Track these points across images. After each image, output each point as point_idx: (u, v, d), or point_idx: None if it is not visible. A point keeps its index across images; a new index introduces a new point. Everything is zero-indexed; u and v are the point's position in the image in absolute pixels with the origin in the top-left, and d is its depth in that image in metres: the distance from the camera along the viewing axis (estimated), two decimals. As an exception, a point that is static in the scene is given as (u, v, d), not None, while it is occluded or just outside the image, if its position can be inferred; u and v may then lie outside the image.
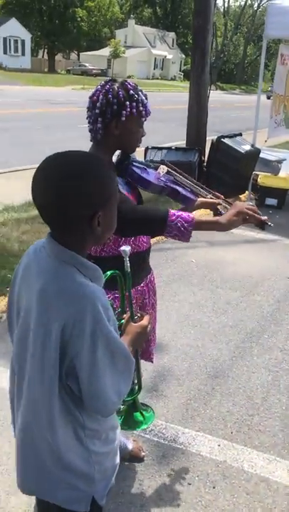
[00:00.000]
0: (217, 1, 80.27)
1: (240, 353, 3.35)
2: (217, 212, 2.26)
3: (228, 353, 3.33)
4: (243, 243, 5.53)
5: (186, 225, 1.70)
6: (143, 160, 2.08)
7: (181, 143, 7.96)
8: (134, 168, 1.92)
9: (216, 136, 7.16)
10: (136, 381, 1.60)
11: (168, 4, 65.26)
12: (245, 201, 7.20)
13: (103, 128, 1.79)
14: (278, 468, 2.38)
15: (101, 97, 1.73)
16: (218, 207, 2.19)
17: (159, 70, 59.72)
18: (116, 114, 1.73)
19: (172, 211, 1.73)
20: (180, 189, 2.03)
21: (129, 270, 1.53)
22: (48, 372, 1.17)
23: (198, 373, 3.08)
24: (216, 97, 31.39)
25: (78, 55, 57.40)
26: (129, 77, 49.99)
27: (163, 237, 5.25)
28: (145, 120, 1.83)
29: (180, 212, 1.72)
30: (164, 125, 14.34)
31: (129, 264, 1.53)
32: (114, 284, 1.85)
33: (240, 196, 7.31)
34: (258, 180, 7.14)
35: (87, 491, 1.31)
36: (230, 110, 22.98)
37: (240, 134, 7.30)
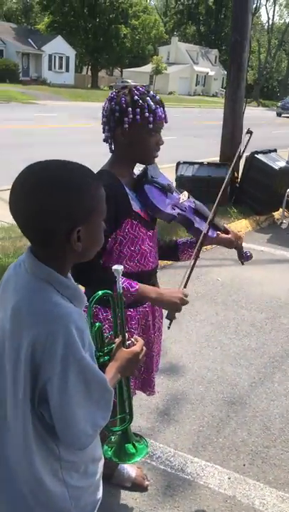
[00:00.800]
0: (262, 18, 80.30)
1: (261, 378, 3.18)
2: (242, 254, 2.19)
3: (247, 378, 3.17)
4: (272, 262, 5.34)
5: (131, 289, 1.69)
6: (168, 179, 1.95)
7: (217, 159, 7.85)
8: (149, 189, 1.81)
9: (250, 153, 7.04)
10: (127, 410, 1.49)
11: (212, 22, 65.72)
12: (279, 219, 7.00)
13: (111, 137, 1.74)
14: (292, 508, 2.20)
15: (106, 104, 1.69)
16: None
17: (201, 87, 59.95)
18: (119, 121, 1.67)
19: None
20: (197, 223, 1.92)
21: (121, 291, 1.43)
22: (20, 396, 1.09)
23: (214, 398, 2.94)
24: (257, 113, 31.16)
25: (121, 72, 58.38)
26: (170, 93, 50.43)
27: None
28: (155, 127, 1.70)
29: (127, 280, 1.69)
30: (202, 140, 14.28)
31: (121, 285, 1.44)
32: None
33: (274, 214, 7.13)
34: (293, 197, 6.93)
35: None
36: (271, 127, 22.70)
37: (275, 150, 7.14)
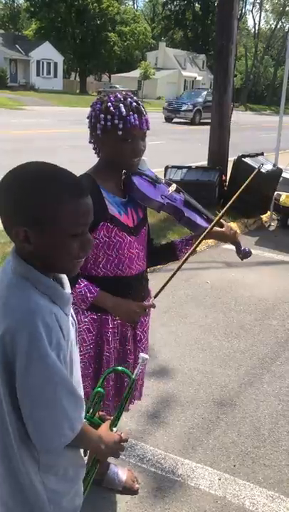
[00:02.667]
0: (249, 24, 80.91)
1: (250, 379, 3.20)
2: (240, 250, 2.15)
3: (237, 380, 3.18)
4: (261, 265, 5.37)
5: (88, 295, 1.73)
6: (162, 177, 1.99)
7: (205, 163, 7.89)
8: (136, 180, 1.82)
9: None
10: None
11: (199, 27, 66.11)
12: (267, 222, 7.05)
13: (93, 143, 1.77)
14: (282, 508, 2.22)
15: (89, 111, 1.73)
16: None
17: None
18: (94, 127, 1.70)
19: (81, 280, 1.71)
20: (187, 212, 1.92)
21: (135, 377, 1.47)
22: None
23: (204, 400, 2.95)
24: (245, 117, 31.37)
25: (109, 77, 58.48)
26: (159, 98, 50.54)
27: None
28: (127, 134, 1.66)
29: (88, 284, 1.73)
30: (190, 145, 14.34)
31: (138, 371, 1.47)
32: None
33: (262, 216, 7.18)
34: (281, 200, 6.99)
35: None
36: (259, 130, 22.86)
37: (262, 154, 7.20)
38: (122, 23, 55.04)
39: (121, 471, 2.26)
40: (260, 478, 2.38)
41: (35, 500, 1.17)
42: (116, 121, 1.65)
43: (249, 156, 6.90)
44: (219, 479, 2.36)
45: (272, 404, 2.96)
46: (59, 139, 14.69)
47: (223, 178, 7.08)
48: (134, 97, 1.72)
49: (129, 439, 2.52)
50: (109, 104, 1.66)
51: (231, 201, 2.02)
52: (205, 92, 27.18)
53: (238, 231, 6.51)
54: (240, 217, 6.82)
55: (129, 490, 2.23)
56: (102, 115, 1.66)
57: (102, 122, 1.67)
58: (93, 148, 1.79)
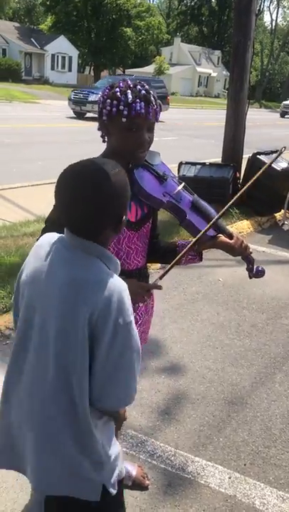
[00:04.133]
0: (265, 20, 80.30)
1: (262, 379, 3.18)
2: (250, 266, 2.02)
3: (248, 379, 3.16)
4: (274, 263, 5.34)
5: None
6: (169, 169, 1.85)
7: (219, 160, 7.84)
8: (138, 173, 1.71)
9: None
10: None
11: (214, 23, 65.68)
12: (280, 220, 7.00)
13: (100, 130, 1.69)
14: (292, 508, 2.20)
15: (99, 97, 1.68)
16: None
17: (203, 88, 59.91)
18: (100, 113, 1.64)
19: None
20: (191, 215, 1.79)
21: None
22: (79, 355, 1.22)
23: (215, 398, 2.93)
24: (259, 114, 31.14)
25: (124, 72, 58.38)
26: (172, 94, 50.36)
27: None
28: (132, 123, 1.59)
29: None
30: (205, 141, 14.28)
31: None
32: None
33: (276, 215, 7.12)
34: (295, 199, 6.93)
35: (97, 479, 1.34)
36: (273, 128, 22.70)
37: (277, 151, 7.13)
38: (138, 17, 54.80)
39: (131, 467, 2.26)
40: (270, 478, 2.37)
41: (95, 449, 1.31)
42: (121, 108, 1.58)
43: (264, 153, 6.85)
44: (229, 478, 2.35)
45: (284, 404, 2.93)
46: (72, 132, 14.70)
47: (237, 175, 7.03)
48: (146, 86, 1.63)
49: (139, 435, 2.53)
50: (117, 89, 1.59)
51: (237, 196, 1.85)
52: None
53: (252, 229, 6.48)
54: (254, 215, 6.77)
55: (139, 486, 2.23)
56: (108, 100, 1.60)
57: (108, 108, 1.60)
58: (100, 136, 1.71)
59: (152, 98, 1.62)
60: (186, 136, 16.02)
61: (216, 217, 1.81)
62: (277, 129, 22.28)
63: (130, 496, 2.19)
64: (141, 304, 1.92)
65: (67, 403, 1.26)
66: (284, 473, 2.41)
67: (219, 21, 64.66)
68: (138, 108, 1.58)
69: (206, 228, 1.78)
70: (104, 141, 1.72)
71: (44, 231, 1.60)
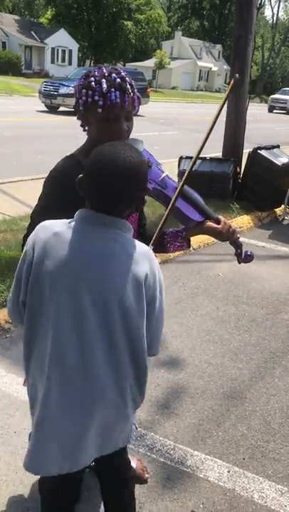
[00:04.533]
0: (266, 13, 79.85)
1: (261, 373, 3.19)
2: (238, 251, 2.00)
3: (247, 373, 3.17)
4: (274, 258, 5.34)
5: None
6: (154, 158, 1.83)
7: (219, 154, 7.82)
8: None
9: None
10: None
11: (216, 17, 65.34)
12: (280, 215, 6.99)
13: (80, 119, 1.67)
14: (291, 502, 2.21)
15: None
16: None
17: (204, 82, 59.71)
18: (76, 103, 1.61)
19: None
20: (178, 202, 1.77)
21: None
22: (141, 319, 1.39)
23: (214, 393, 2.94)
24: (260, 109, 31.02)
25: (124, 66, 58.14)
26: (173, 88, 50.24)
27: (190, 249, 5.14)
28: (108, 113, 1.56)
29: None
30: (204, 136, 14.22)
31: None
32: None
33: (276, 210, 7.12)
34: (295, 194, 6.92)
35: (132, 421, 1.56)
36: (274, 123, 22.64)
37: (278, 146, 7.12)
38: (138, 10, 54.49)
39: (131, 460, 2.26)
40: (269, 472, 2.38)
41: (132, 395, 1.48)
42: (96, 98, 1.54)
43: (265, 148, 6.83)
44: (228, 472, 2.36)
45: (283, 398, 2.94)
46: (70, 127, 14.65)
47: (238, 170, 7.02)
48: (123, 73, 1.59)
49: (138, 429, 2.54)
50: (92, 78, 1.55)
51: (203, 143, 1.91)
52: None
53: (252, 224, 6.47)
54: (254, 210, 6.77)
55: (138, 479, 2.23)
56: (84, 90, 1.57)
57: (84, 98, 1.56)
58: (80, 125, 1.69)
59: (128, 86, 1.58)
60: (187, 130, 15.97)
61: (180, 185, 1.79)
62: (279, 124, 22.23)
63: (129, 489, 2.20)
64: None
65: (130, 362, 1.43)
66: (283, 467, 2.42)
67: (220, 15, 64.33)
68: (113, 98, 1.54)
69: (174, 197, 1.77)
70: (84, 131, 1.70)
71: (32, 226, 1.60)
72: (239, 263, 2.04)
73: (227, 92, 1.91)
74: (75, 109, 1.66)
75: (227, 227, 1.86)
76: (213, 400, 2.87)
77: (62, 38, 44.83)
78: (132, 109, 1.63)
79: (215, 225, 1.84)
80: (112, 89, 1.54)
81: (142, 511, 2.10)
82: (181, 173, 6.68)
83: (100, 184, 1.32)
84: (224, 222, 1.86)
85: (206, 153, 7.99)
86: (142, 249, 1.41)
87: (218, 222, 1.86)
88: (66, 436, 1.42)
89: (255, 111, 24.12)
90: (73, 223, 1.38)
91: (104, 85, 1.53)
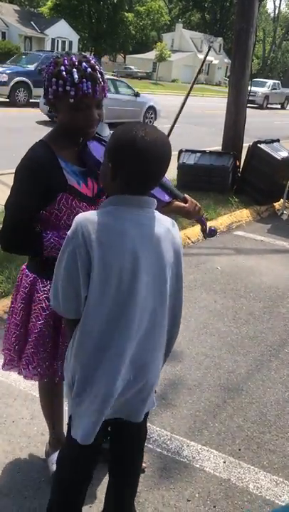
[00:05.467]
0: (268, 7, 79.27)
1: (258, 366, 3.21)
2: (203, 227, 2.05)
3: (244, 366, 3.19)
4: (272, 253, 5.35)
5: (61, 241, 1.62)
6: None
7: (219, 148, 7.82)
8: (91, 144, 1.72)
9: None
10: None
11: (217, 9, 64.94)
12: (279, 210, 7.00)
13: (48, 105, 1.68)
14: (286, 492, 2.24)
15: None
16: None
17: (205, 75, 59.40)
18: (46, 90, 1.62)
19: (44, 234, 1.67)
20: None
21: None
22: (180, 281, 1.61)
23: (211, 384, 2.97)
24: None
25: (124, 58, 57.83)
26: (173, 80, 50.00)
27: (189, 242, 5.15)
28: (80, 102, 1.58)
29: (51, 233, 1.68)
30: (205, 129, 14.20)
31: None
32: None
33: (275, 204, 7.12)
34: (294, 188, 6.92)
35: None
36: (274, 117, 22.58)
37: (278, 140, 7.11)
38: (138, 1, 54.11)
39: None
40: (264, 463, 2.40)
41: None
42: (68, 88, 1.55)
43: (265, 142, 6.83)
44: (224, 462, 2.38)
45: (280, 391, 2.97)
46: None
47: (237, 163, 7.01)
48: (92, 61, 1.61)
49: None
50: (63, 67, 1.56)
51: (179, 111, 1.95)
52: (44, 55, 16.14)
53: (251, 218, 6.47)
54: (253, 204, 6.77)
55: None
56: (54, 79, 1.57)
57: (54, 87, 1.57)
58: (48, 111, 1.72)
59: (98, 75, 1.60)
60: (187, 123, 15.91)
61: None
62: (279, 118, 22.17)
63: (126, 479, 2.22)
64: None
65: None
66: (278, 458, 2.45)
67: (222, 8, 63.92)
68: (85, 88, 1.55)
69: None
70: (54, 118, 1.73)
71: (4, 240, 1.69)
72: (204, 238, 2.16)
73: (204, 57, 2.00)
74: (44, 96, 1.68)
75: (194, 205, 1.92)
76: (209, 392, 2.89)
77: (62, 29, 44.53)
78: (102, 98, 1.64)
79: (183, 204, 1.90)
80: (84, 80, 1.55)
81: (138, 500, 2.12)
82: (180, 166, 6.67)
83: (153, 169, 1.40)
84: (190, 201, 1.92)
85: (206, 147, 7.98)
86: (171, 222, 1.54)
87: (185, 201, 1.91)
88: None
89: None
90: (113, 210, 1.43)
91: (76, 75, 1.54)
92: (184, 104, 2.00)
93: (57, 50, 44.66)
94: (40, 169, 1.60)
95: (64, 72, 1.55)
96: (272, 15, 69.00)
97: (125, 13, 49.03)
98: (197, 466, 2.34)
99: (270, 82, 29.90)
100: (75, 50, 46.78)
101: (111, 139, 1.39)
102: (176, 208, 1.88)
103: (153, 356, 1.60)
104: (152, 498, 2.14)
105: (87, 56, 1.62)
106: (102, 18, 48.41)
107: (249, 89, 7.24)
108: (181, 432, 2.54)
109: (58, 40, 44.66)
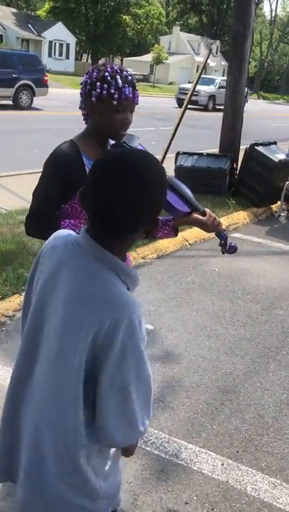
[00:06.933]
0: (265, 10, 79.60)
1: (256, 368, 3.21)
2: (222, 242, 2.02)
3: (242, 368, 3.19)
4: (269, 254, 5.36)
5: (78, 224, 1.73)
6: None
7: (216, 150, 7.83)
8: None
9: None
10: None
11: (214, 12, 65.09)
12: (276, 212, 7.01)
13: (83, 109, 1.83)
14: (283, 494, 2.24)
15: (84, 77, 1.79)
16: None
17: (202, 78, 59.53)
18: (88, 94, 1.75)
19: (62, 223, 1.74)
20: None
21: None
22: (73, 375, 1.11)
23: (209, 386, 2.96)
24: (258, 105, 31.03)
25: (121, 61, 57.87)
26: (171, 83, 50.03)
27: (186, 244, 5.16)
28: (121, 105, 1.73)
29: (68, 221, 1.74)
30: (203, 132, 14.23)
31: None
32: None
33: (272, 206, 7.14)
34: (291, 190, 6.94)
35: (91, 508, 1.23)
36: (271, 119, 22.63)
37: (275, 143, 7.13)
38: (136, 4, 54.22)
39: None
40: (262, 465, 2.40)
41: (90, 478, 1.19)
42: (112, 91, 1.71)
43: (262, 144, 6.84)
44: (222, 464, 2.38)
45: (277, 393, 2.97)
46: (68, 121, 14.60)
47: (235, 166, 7.02)
48: (129, 71, 1.80)
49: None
50: (107, 74, 1.72)
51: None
52: None
53: (248, 220, 6.49)
54: (250, 206, 6.78)
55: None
56: (98, 83, 1.72)
57: (98, 90, 1.72)
58: (82, 115, 1.85)
59: (135, 82, 1.80)
60: (184, 126, 15.93)
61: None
62: (275, 121, 22.23)
63: (124, 482, 2.21)
64: None
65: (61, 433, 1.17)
66: (276, 460, 2.44)
67: (219, 11, 64.08)
68: (127, 92, 1.74)
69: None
70: (85, 121, 1.86)
71: (28, 225, 1.79)
72: (223, 253, 2.09)
73: (205, 59, 2.07)
74: (82, 101, 1.82)
75: (212, 219, 1.94)
76: (207, 394, 2.89)
77: (59, 32, 44.53)
78: (136, 104, 1.82)
79: (200, 217, 1.93)
80: (126, 85, 1.74)
81: (136, 503, 2.12)
82: (178, 169, 6.68)
83: (96, 194, 1.12)
84: (209, 214, 1.95)
85: (203, 149, 7.99)
86: (113, 301, 1.10)
87: (204, 214, 1.95)
88: None
89: (252, 107, 24.14)
90: (74, 240, 1.20)
91: (120, 81, 1.72)
92: (182, 114, 2.07)
93: (54, 52, 44.73)
94: (64, 163, 1.74)
95: (109, 77, 1.71)
96: (268, 18, 69.17)
97: (123, 16, 49.13)
98: (195, 468, 2.34)
99: (218, 79, 26.52)
100: (72, 52, 46.86)
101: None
102: (194, 219, 1.93)
103: None
104: (150, 501, 2.14)
105: (124, 67, 1.81)
106: (100, 20, 48.48)
107: (246, 91, 7.27)
108: (179, 435, 2.54)
109: (55, 43, 44.67)
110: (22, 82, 15.59)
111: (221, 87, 24.43)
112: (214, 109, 23.55)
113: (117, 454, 1.31)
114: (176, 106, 23.92)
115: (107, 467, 1.25)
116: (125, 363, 1.08)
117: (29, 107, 16.17)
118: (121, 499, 1.39)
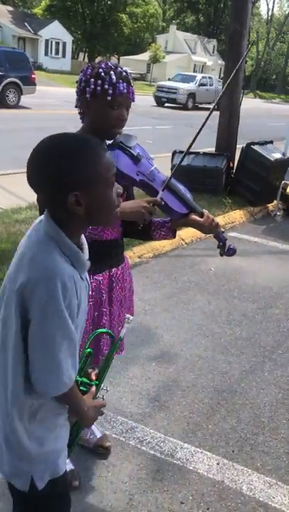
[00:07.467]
0: (262, 9, 79.60)
1: (251, 367, 3.21)
2: (220, 244, 2.02)
3: (238, 367, 3.19)
4: (265, 254, 5.36)
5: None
6: (145, 151, 1.92)
7: (213, 149, 7.82)
8: (112, 152, 1.78)
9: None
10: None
11: (211, 11, 65.08)
12: (273, 211, 7.01)
13: (79, 108, 1.81)
14: (279, 494, 2.24)
15: (79, 76, 1.78)
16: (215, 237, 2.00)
17: (198, 77, 59.54)
18: (83, 91, 1.74)
19: None
20: (163, 194, 1.84)
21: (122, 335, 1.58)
22: (12, 338, 1.19)
23: (205, 386, 2.96)
24: (254, 104, 31.04)
25: (118, 59, 57.75)
26: (167, 82, 49.93)
27: (183, 243, 5.15)
28: (115, 101, 1.71)
29: None
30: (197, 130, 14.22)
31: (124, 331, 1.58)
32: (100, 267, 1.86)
33: (268, 205, 7.14)
34: (288, 189, 6.95)
35: (27, 470, 1.28)
36: (268, 118, 22.64)
37: (271, 142, 7.13)
38: (133, 3, 54.12)
39: (97, 430, 2.36)
40: (258, 465, 2.40)
41: (24, 441, 1.26)
42: (106, 87, 1.70)
43: (258, 143, 6.84)
44: (218, 464, 2.38)
45: (273, 392, 2.97)
46: (64, 119, 14.58)
47: (231, 165, 7.02)
48: (125, 68, 1.78)
49: (129, 422, 2.56)
50: (101, 70, 1.71)
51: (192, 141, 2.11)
52: None
53: (244, 219, 6.49)
54: (247, 205, 6.79)
55: (100, 447, 2.33)
56: (92, 79, 1.71)
57: (92, 86, 1.71)
58: (79, 113, 1.83)
59: (131, 79, 1.78)
60: (181, 124, 15.94)
61: (169, 177, 1.90)
62: (273, 120, 22.24)
63: (120, 482, 2.21)
64: (116, 285, 2.00)
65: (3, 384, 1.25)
66: (271, 459, 2.44)
67: (215, 10, 64.08)
68: (122, 88, 1.72)
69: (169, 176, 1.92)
70: (82, 120, 1.84)
71: None
72: (221, 255, 2.09)
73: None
74: (78, 98, 1.81)
75: (210, 220, 1.93)
76: (203, 394, 2.89)
77: (56, 30, 44.38)
78: (132, 101, 1.79)
79: (198, 218, 1.92)
80: (120, 81, 1.72)
81: (131, 503, 2.11)
82: (174, 167, 6.67)
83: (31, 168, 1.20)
84: (207, 215, 1.94)
85: (199, 148, 7.99)
86: (37, 263, 1.16)
87: (202, 215, 1.94)
88: None
89: (248, 106, 24.13)
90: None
91: (114, 76, 1.71)
92: (204, 123, 2.09)
93: (50, 51, 44.61)
94: None
95: (103, 73, 1.70)
96: (265, 17, 69.26)
97: (119, 14, 49.04)
98: (191, 468, 2.33)
99: (199, 76, 25.38)
100: (68, 51, 46.74)
101: None
102: (192, 221, 1.92)
103: None
104: (146, 501, 2.13)
105: (119, 65, 1.80)
106: (96, 19, 48.39)
107: (242, 90, 7.27)
108: (175, 434, 2.54)
109: (51, 41, 44.53)
110: (9, 79, 15.14)
111: (201, 84, 24.04)
112: (195, 108, 22.91)
113: (60, 420, 1.33)
114: (154, 104, 22.85)
115: (43, 431, 1.28)
116: (49, 320, 1.14)
117: (16, 106, 15.96)
118: (64, 470, 1.35)
